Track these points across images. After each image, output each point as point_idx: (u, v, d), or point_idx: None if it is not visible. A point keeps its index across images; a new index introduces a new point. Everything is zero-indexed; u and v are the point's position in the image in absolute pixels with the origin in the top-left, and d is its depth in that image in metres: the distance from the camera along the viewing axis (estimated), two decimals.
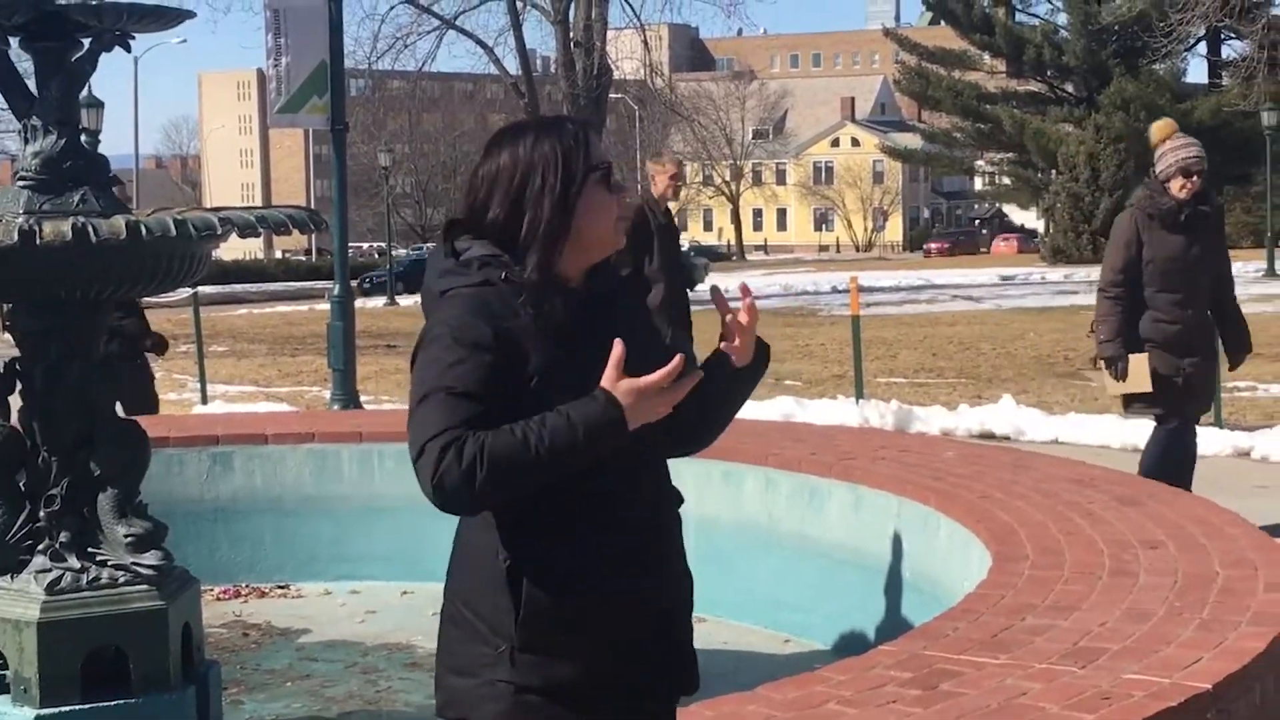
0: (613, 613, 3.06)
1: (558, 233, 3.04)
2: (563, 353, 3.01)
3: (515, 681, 3.01)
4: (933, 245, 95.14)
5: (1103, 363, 8.80)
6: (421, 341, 3.06)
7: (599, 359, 2.97)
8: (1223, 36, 69.60)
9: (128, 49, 5.49)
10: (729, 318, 3.15)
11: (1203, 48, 74.03)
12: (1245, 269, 43.38)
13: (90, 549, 5.23)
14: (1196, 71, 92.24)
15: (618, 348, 2.93)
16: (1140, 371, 8.60)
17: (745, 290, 3.15)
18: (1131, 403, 8.93)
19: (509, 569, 3.01)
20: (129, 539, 5.20)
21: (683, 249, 11.21)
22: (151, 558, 5.22)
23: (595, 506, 3.03)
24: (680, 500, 3.26)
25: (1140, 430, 12.21)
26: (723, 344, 3.17)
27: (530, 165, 3.06)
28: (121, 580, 5.20)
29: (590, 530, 3.04)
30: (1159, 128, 8.94)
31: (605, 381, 2.92)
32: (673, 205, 10.80)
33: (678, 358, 2.94)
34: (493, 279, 3.03)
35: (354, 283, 53.00)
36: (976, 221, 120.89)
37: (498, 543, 3.03)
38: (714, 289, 3.26)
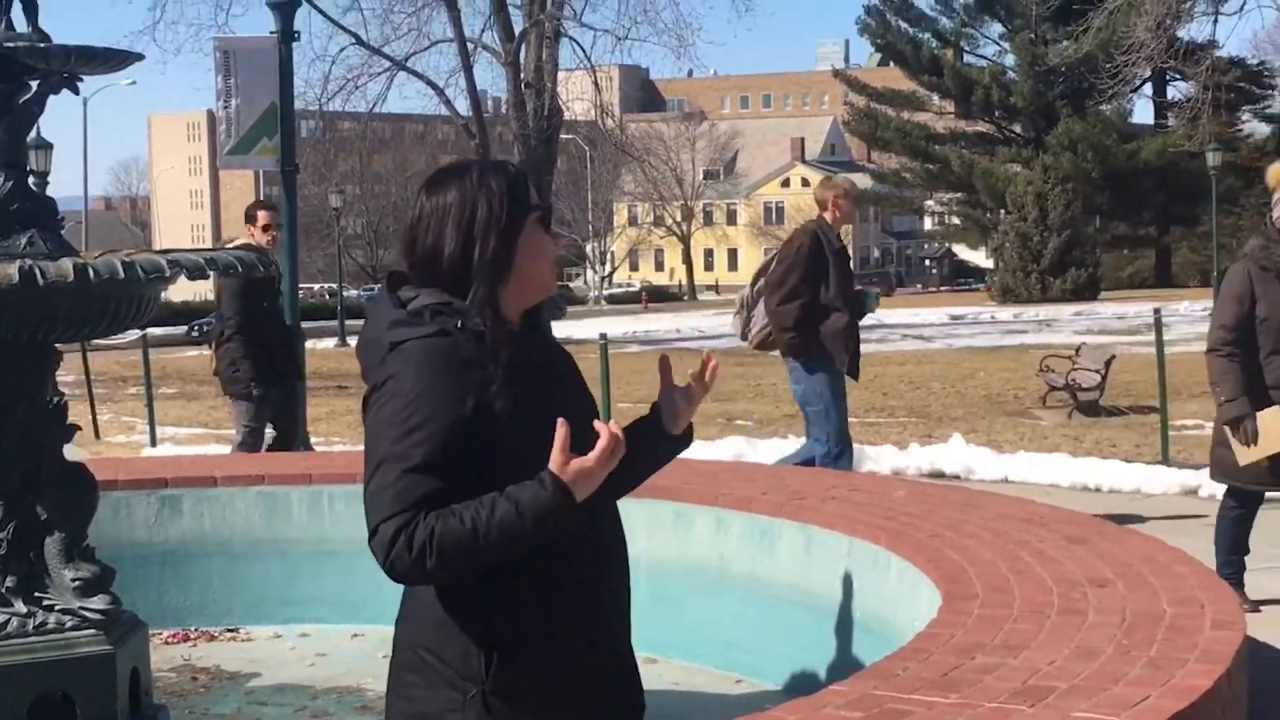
0: (577, 655, 3.09)
1: (502, 267, 3.06)
2: (528, 395, 3.04)
3: None
4: None
5: (1227, 428, 7.97)
6: (379, 394, 3.04)
7: (552, 400, 3.03)
8: (1168, 78, 70.51)
9: (76, 91, 5.48)
10: (687, 384, 3.20)
11: (1149, 89, 74.89)
12: (1192, 308, 43.79)
13: (37, 593, 5.19)
14: (1143, 112, 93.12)
15: (562, 429, 2.93)
16: (1273, 429, 7.78)
17: (709, 359, 3.20)
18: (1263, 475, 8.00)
19: (479, 615, 3.02)
20: (76, 583, 5.17)
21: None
22: (99, 602, 5.19)
23: (557, 552, 3.03)
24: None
25: (1091, 469, 12.29)
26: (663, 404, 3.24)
27: (477, 199, 3.08)
28: (68, 625, 5.17)
29: (553, 575, 3.06)
30: (1276, 170, 8.05)
31: (553, 465, 2.92)
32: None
33: (608, 432, 2.94)
34: (448, 328, 3.03)
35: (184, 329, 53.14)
36: (927, 261, 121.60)
37: (464, 590, 3.04)
38: (662, 359, 3.29)
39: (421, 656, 3.08)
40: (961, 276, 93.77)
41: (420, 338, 3.03)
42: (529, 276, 3.11)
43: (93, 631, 5.16)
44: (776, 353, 10.54)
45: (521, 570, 3.02)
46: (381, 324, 3.11)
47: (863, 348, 10.52)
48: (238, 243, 10.56)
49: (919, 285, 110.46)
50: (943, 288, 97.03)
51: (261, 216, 10.99)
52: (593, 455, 2.92)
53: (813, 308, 10.09)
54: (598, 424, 2.96)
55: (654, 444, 3.29)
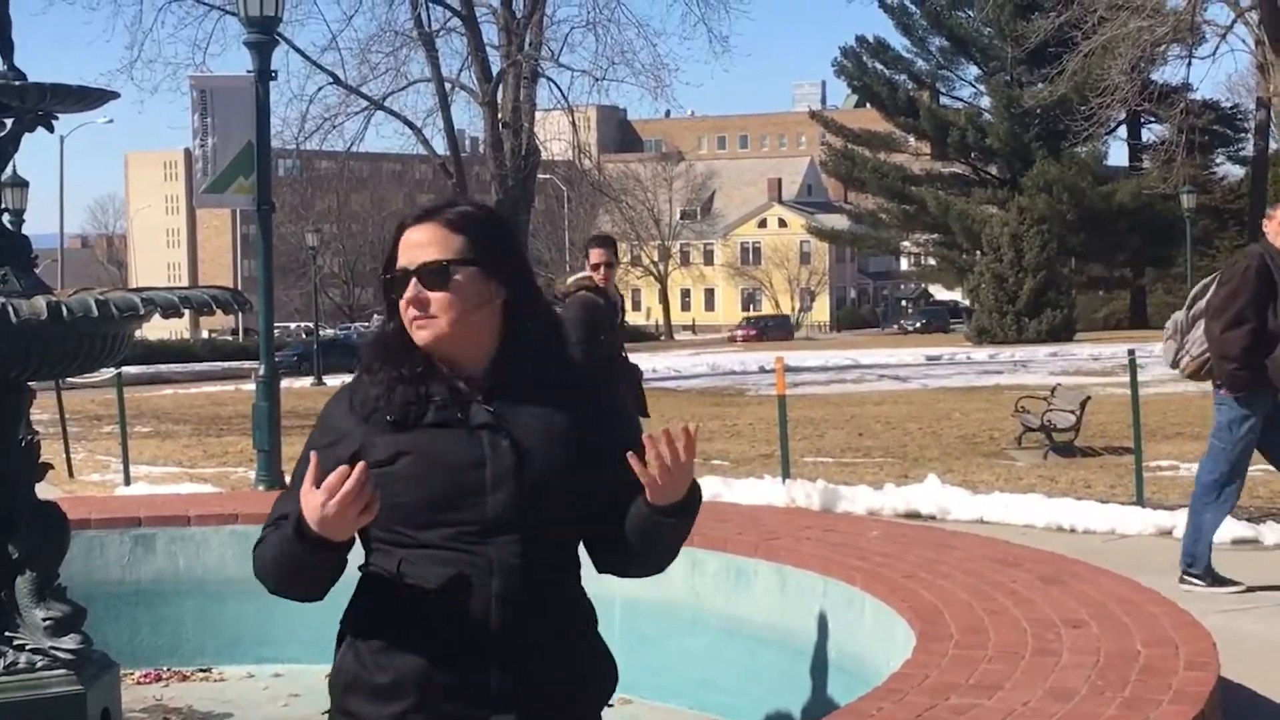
0: (419, 699, 3.08)
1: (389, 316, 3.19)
2: (410, 442, 3.08)
3: None
4: (739, 332, 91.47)
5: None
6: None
7: (444, 451, 3.08)
8: (1142, 120, 70.80)
9: (50, 129, 5.48)
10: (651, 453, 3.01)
11: (1123, 131, 75.29)
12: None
13: (7, 633, 5.17)
14: (1118, 155, 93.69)
15: (334, 476, 2.91)
16: None
17: (687, 433, 3.07)
18: None
19: (339, 636, 3.23)
20: (47, 622, 5.14)
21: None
22: (70, 641, 5.16)
23: (412, 598, 3.08)
24: (575, 611, 3.23)
25: (1065, 509, 12.31)
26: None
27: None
28: (39, 664, 5.14)
29: (400, 617, 3.10)
30: None
31: (301, 493, 2.99)
32: None
33: (343, 471, 2.90)
34: (371, 366, 3.17)
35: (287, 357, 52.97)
36: (903, 301, 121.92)
37: (344, 624, 3.25)
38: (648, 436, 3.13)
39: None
40: (956, 316, 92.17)
41: (355, 371, 3.22)
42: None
43: (64, 671, 5.14)
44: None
45: (375, 609, 3.15)
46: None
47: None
48: (578, 277, 10.23)
49: (895, 326, 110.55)
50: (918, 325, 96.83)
51: (593, 255, 10.53)
52: (307, 485, 2.96)
53: (1260, 335, 9.27)
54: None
55: (647, 515, 3.11)
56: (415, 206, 3.40)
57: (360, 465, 2.91)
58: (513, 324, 3.16)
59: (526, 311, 3.18)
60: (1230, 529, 11.31)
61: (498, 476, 3.07)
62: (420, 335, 3.11)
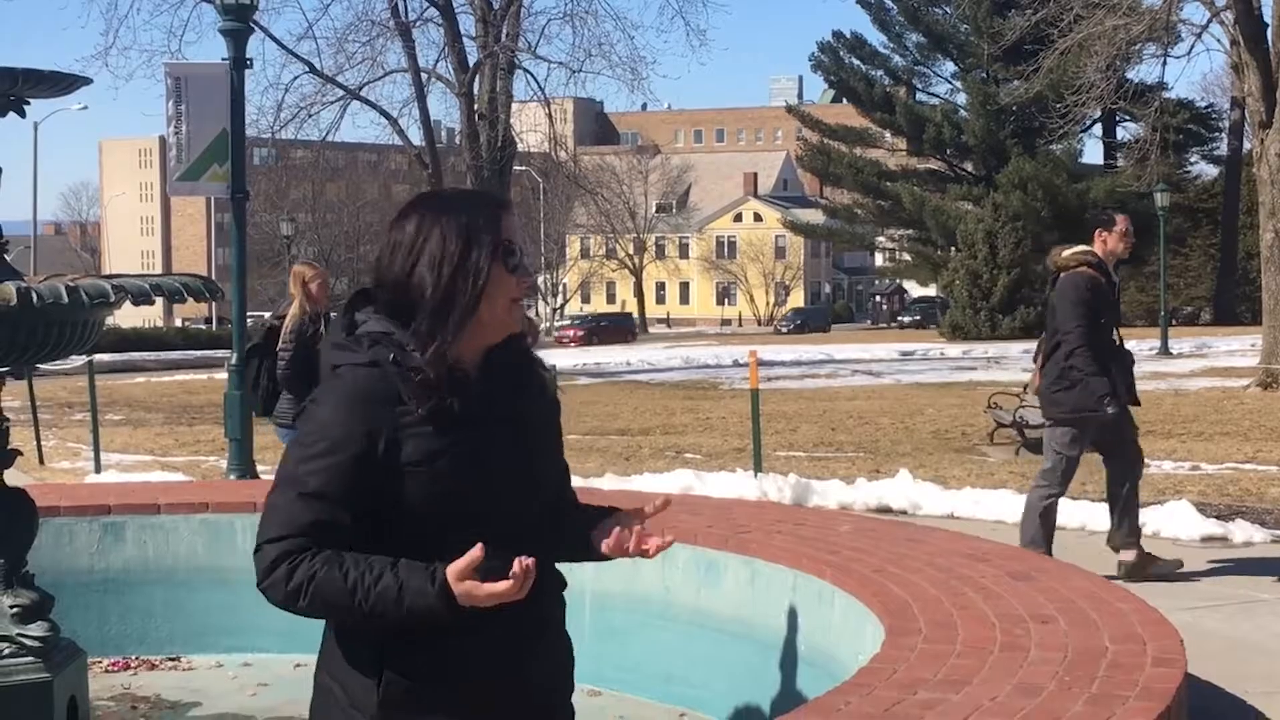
0: (477, 701, 3.05)
1: (447, 305, 3.00)
2: (447, 440, 2.99)
3: None
4: (569, 331, 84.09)
5: None
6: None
7: (492, 440, 3.02)
8: (1117, 119, 71.04)
9: (22, 114, 5.45)
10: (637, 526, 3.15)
11: (1098, 129, 75.41)
12: (1140, 347, 44.06)
13: None
14: (1093, 152, 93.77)
15: (477, 551, 2.88)
16: None
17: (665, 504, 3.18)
18: None
19: (371, 647, 3.02)
20: (14, 609, 5.13)
21: None
22: (37, 629, 5.15)
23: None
24: (563, 586, 3.29)
25: None
26: (602, 539, 3.17)
27: (432, 234, 3.02)
28: (6, 652, 5.13)
29: (460, 622, 2.99)
30: None
31: (451, 574, 2.89)
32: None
33: (519, 567, 2.87)
34: (380, 359, 2.99)
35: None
36: (878, 297, 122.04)
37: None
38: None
39: (326, 679, 3.12)
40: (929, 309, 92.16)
41: (352, 364, 3.01)
42: (484, 316, 3.04)
43: (30, 659, 5.12)
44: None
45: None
46: (329, 344, 3.10)
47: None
48: (1079, 249, 10.04)
49: (868, 321, 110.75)
50: (892, 324, 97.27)
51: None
52: (489, 588, 2.89)
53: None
54: (516, 562, 2.88)
55: (579, 551, 3.24)
56: (497, 194, 3.40)
57: (524, 561, 2.88)
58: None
59: None
60: (1200, 526, 11.37)
61: (527, 469, 3.10)
62: (521, 318, 3.12)
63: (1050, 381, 9.82)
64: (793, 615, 6.48)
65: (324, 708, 3.11)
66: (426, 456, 2.96)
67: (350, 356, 3.03)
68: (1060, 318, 9.78)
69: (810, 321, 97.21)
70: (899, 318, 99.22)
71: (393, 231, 3.09)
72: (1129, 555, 9.89)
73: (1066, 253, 10.04)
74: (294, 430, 10.03)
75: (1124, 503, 9.98)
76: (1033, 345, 15.22)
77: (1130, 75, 46.83)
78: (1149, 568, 9.82)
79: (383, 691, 3.00)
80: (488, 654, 3.04)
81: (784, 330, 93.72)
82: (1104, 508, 11.52)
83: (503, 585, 2.88)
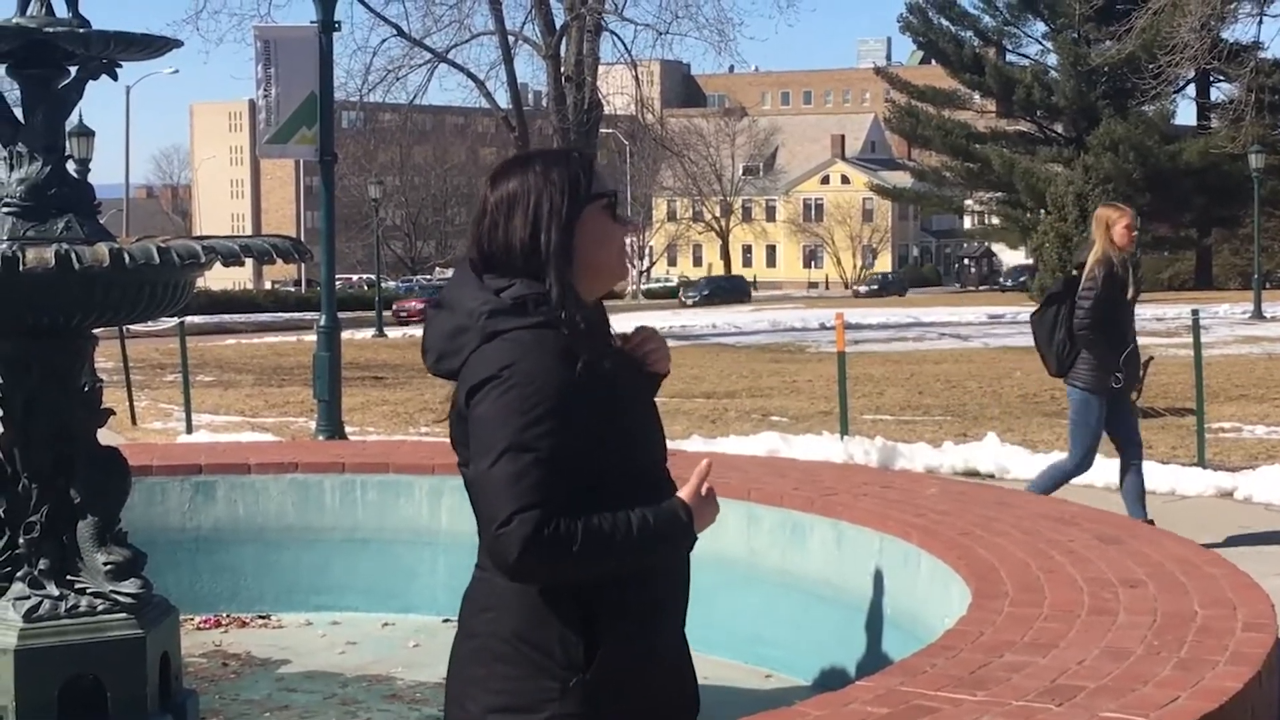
0: (667, 644, 3.22)
1: (566, 258, 3.05)
2: (618, 393, 3.08)
3: (584, 714, 3.04)
4: (693, 293, 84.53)
5: None
6: (495, 381, 2.97)
7: (638, 388, 3.18)
8: (1211, 79, 70.05)
9: (114, 77, 5.50)
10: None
11: (1192, 90, 74.43)
12: (1233, 311, 43.55)
13: (69, 576, 5.22)
14: (1185, 114, 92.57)
15: (704, 464, 3.13)
16: None
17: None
18: None
19: (578, 604, 3.04)
20: (108, 566, 5.19)
21: None
22: (130, 586, 5.21)
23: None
24: None
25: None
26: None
27: (539, 191, 3.07)
28: (100, 608, 5.19)
29: (652, 568, 3.14)
30: None
31: (687, 496, 3.11)
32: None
33: (705, 462, 3.15)
34: (550, 319, 3.02)
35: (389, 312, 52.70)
36: (966, 260, 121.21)
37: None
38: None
39: (515, 646, 3.05)
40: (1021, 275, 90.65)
41: (528, 327, 3.00)
42: (597, 265, 3.12)
43: (123, 615, 5.19)
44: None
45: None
46: (473, 310, 3.05)
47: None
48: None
49: (956, 284, 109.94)
50: (981, 286, 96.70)
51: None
52: (704, 488, 3.15)
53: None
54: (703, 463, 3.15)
55: None
56: (583, 148, 3.47)
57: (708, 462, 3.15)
58: None
59: None
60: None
61: (658, 416, 3.27)
62: (627, 268, 3.25)
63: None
64: (879, 578, 6.47)
65: (522, 677, 3.05)
66: (610, 410, 3.03)
67: (520, 320, 3.02)
68: None
69: (889, 287, 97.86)
70: (1001, 281, 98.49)
71: (491, 198, 3.11)
72: None
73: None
74: (1088, 394, 9.82)
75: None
76: None
77: (1225, 35, 46.20)
78: None
79: (602, 646, 3.05)
80: (669, 602, 3.24)
81: (861, 294, 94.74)
82: (1195, 472, 11.42)
83: (702, 481, 3.14)
